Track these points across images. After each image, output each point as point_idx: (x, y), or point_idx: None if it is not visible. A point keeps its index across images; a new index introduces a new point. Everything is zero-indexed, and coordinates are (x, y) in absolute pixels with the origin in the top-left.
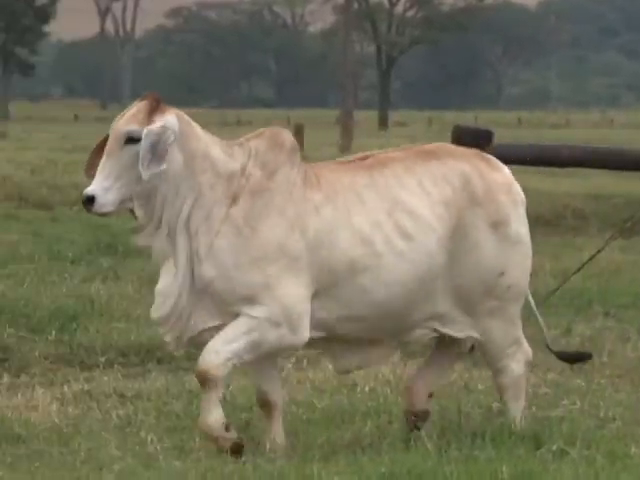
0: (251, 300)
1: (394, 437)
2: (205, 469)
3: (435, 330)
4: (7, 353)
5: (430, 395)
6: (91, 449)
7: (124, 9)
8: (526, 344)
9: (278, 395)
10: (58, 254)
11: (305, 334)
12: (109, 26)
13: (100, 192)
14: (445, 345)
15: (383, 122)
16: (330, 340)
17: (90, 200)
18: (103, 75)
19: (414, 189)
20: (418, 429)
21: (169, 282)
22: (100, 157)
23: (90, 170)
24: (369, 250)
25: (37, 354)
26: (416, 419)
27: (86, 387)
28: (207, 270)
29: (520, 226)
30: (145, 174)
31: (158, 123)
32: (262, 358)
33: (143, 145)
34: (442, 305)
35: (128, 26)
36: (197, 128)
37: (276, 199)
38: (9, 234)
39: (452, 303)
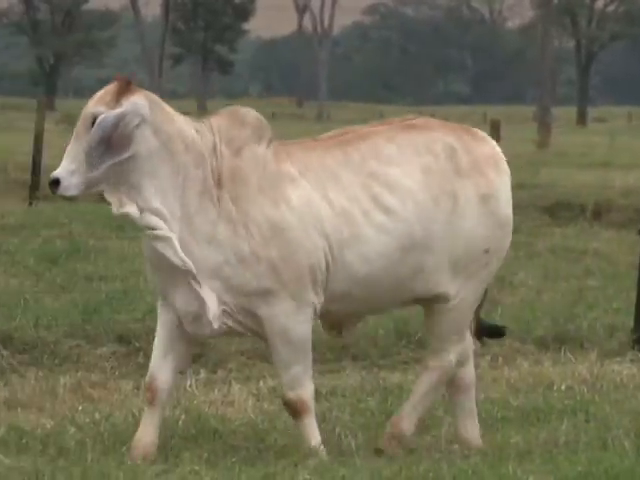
0: (265, 294)
1: (591, 436)
2: (400, 467)
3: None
4: (204, 349)
5: None
6: (286, 445)
7: (322, 6)
8: (470, 340)
9: (171, 385)
10: None
11: (317, 297)
12: (307, 23)
13: (65, 175)
14: None
15: (582, 118)
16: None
17: (55, 182)
18: (300, 72)
19: (394, 159)
20: None
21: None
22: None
23: None
24: (348, 223)
25: (233, 350)
26: None
27: None
28: (214, 255)
29: (508, 204)
30: (96, 168)
31: (124, 106)
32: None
33: (92, 136)
34: (439, 279)
35: (326, 23)
36: (169, 109)
37: (251, 177)
38: None
39: (450, 276)
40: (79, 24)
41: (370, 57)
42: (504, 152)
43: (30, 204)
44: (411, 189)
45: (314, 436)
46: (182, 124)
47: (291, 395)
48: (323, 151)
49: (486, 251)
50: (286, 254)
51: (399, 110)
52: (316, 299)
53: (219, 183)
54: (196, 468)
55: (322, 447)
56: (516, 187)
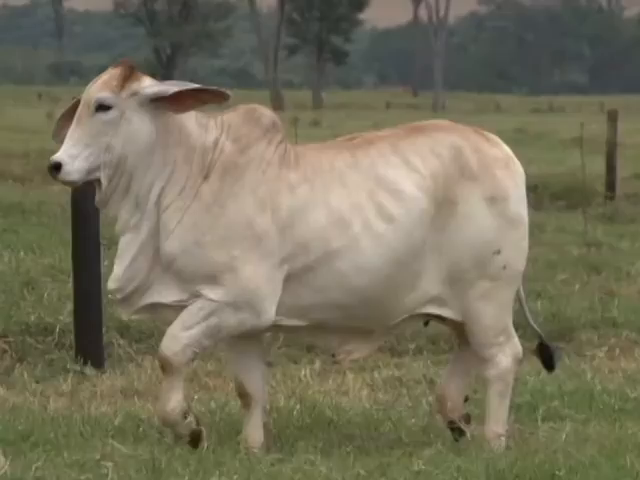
0: (212, 280)
1: None
2: (515, 458)
3: (429, 315)
4: None
5: (466, 399)
6: (400, 435)
7: None
8: (517, 339)
9: (257, 388)
10: None
11: (269, 316)
12: (422, 13)
13: (67, 159)
14: (467, 344)
15: None
16: (316, 328)
17: (56, 167)
18: (415, 62)
19: (399, 165)
20: (462, 434)
21: (131, 255)
22: (69, 122)
23: (58, 134)
24: (345, 233)
25: None
26: (456, 424)
27: (396, 373)
28: (171, 246)
29: (520, 205)
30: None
31: (140, 88)
32: (232, 342)
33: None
34: (434, 286)
35: (441, 13)
36: None
37: (247, 176)
38: None
39: (444, 283)
40: (195, 15)
41: (485, 47)
42: (622, 142)
43: None
44: (416, 196)
45: (172, 396)
46: (183, 116)
47: (163, 353)
48: (334, 153)
49: (497, 252)
50: (248, 257)
51: (515, 100)
52: (269, 310)
53: (206, 176)
54: (311, 457)
55: (178, 410)
56: (634, 178)
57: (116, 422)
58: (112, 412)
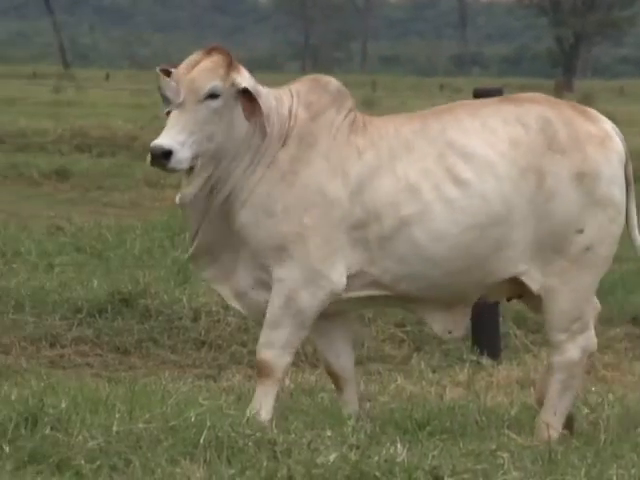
0: (281, 252)
1: None
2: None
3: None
4: None
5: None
6: None
7: None
8: (593, 332)
9: (346, 367)
10: None
11: (339, 285)
12: None
13: (178, 146)
14: None
15: None
16: (403, 300)
17: (166, 155)
18: None
19: (474, 129)
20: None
21: (211, 239)
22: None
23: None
24: (415, 199)
25: None
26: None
27: None
28: (243, 216)
29: (612, 185)
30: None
31: (241, 80)
32: (321, 321)
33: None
34: (521, 259)
35: None
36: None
37: (319, 142)
38: None
39: (530, 257)
40: (600, 3)
41: None
42: None
43: None
44: (492, 161)
45: (262, 403)
46: (269, 97)
47: (263, 355)
48: (403, 121)
49: (580, 231)
50: (319, 225)
51: None
52: (338, 280)
53: (283, 143)
54: None
55: (268, 418)
56: None
57: (512, 412)
58: (508, 402)
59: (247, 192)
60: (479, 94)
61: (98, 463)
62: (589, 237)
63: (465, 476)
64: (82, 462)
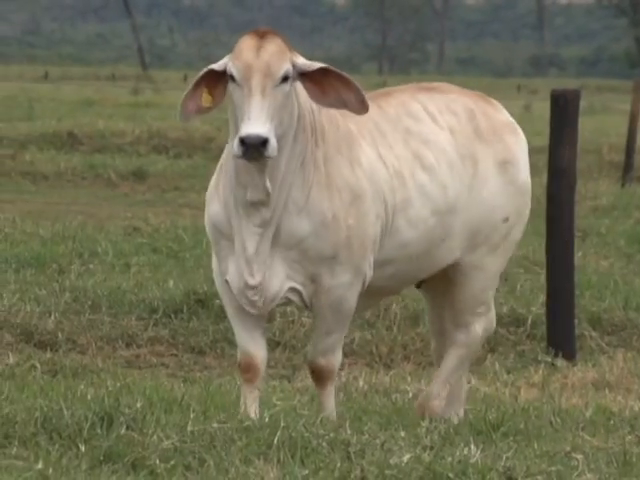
0: (333, 260)
1: None
2: None
3: None
4: None
5: None
6: None
7: None
8: (494, 312)
9: (264, 362)
10: None
11: (370, 271)
12: None
13: (270, 134)
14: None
15: None
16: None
17: (264, 143)
18: None
19: (422, 116)
20: None
21: (257, 241)
22: (198, 95)
23: (186, 113)
24: (403, 185)
25: None
26: None
27: None
28: (304, 227)
29: (526, 172)
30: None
31: (301, 61)
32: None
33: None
34: (458, 247)
35: None
36: None
37: (329, 135)
38: None
39: (464, 245)
40: None
41: None
42: None
43: (623, 185)
44: (443, 148)
45: (332, 404)
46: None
47: (322, 362)
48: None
49: (505, 220)
50: (359, 222)
51: None
52: (369, 271)
53: (316, 142)
54: None
55: (335, 415)
56: None
57: (587, 414)
58: (583, 404)
59: (304, 197)
60: (556, 95)
61: (172, 462)
62: (511, 225)
63: (539, 477)
64: (157, 461)
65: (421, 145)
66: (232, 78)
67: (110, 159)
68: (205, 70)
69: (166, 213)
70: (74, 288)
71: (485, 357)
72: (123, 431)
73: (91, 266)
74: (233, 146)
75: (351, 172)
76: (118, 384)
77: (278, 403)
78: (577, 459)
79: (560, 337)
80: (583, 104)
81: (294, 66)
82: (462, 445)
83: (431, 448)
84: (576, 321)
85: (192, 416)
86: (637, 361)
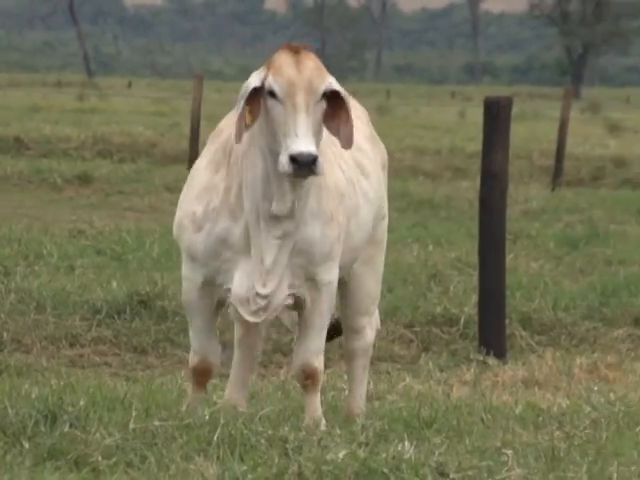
0: (329, 256)
1: None
2: None
3: None
4: None
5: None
6: None
7: None
8: (377, 311)
9: (218, 367)
10: None
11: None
12: None
13: (317, 152)
14: None
15: None
16: None
17: (314, 161)
18: None
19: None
20: None
21: (275, 253)
22: (244, 113)
23: (241, 129)
24: (354, 191)
25: None
26: None
27: None
28: (315, 229)
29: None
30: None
31: (334, 82)
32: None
33: (341, 111)
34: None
35: None
36: None
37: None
38: None
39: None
40: (608, 14)
41: None
42: None
43: (552, 189)
44: (369, 152)
45: (319, 405)
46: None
47: (316, 363)
48: None
49: (383, 218)
50: (344, 220)
51: None
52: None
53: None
54: None
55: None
56: None
57: (516, 411)
58: (513, 401)
59: (317, 203)
60: (489, 102)
61: (115, 459)
62: (386, 223)
63: (470, 472)
64: (99, 458)
65: (357, 152)
66: (272, 94)
67: (56, 164)
68: (250, 89)
69: (110, 216)
70: (19, 289)
71: (419, 356)
72: (66, 429)
73: (36, 268)
74: (281, 163)
75: (334, 172)
76: (62, 383)
77: (218, 401)
78: (507, 454)
79: (491, 336)
80: (515, 111)
81: (329, 84)
82: (396, 441)
83: (366, 444)
84: (507, 321)
85: (134, 414)
86: (565, 360)
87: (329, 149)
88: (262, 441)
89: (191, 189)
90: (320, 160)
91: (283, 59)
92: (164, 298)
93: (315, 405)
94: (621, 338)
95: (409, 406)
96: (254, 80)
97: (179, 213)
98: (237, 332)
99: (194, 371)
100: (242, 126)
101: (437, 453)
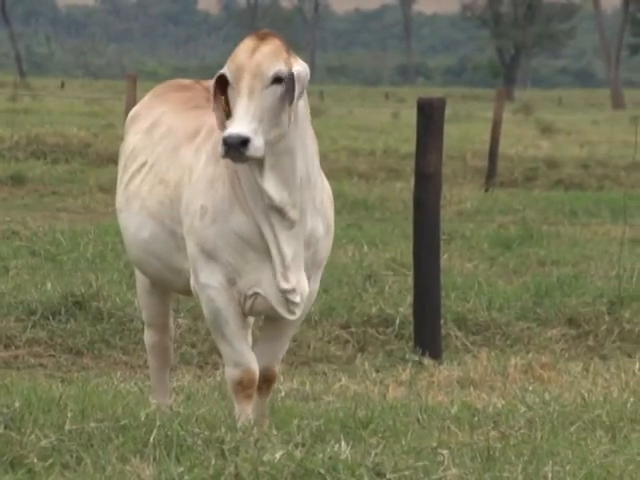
0: (322, 264)
1: None
2: None
3: None
4: None
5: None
6: None
7: None
8: None
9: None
10: None
11: None
12: None
13: (252, 134)
14: None
15: None
16: None
17: (244, 143)
18: None
19: None
20: None
21: (294, 245)
22: (220, 103)
23: (220, 119)
24: None
25: None
26: None
27: None
28: (321, 227)
29: None
30: (280, 127)
31: (300, 66)
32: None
33: (288, 93)
34: None
35: None
36: None
37: None
38: None
39: None
40: (540, 16)
41: None
42: None
43: (486, 190)
44: None
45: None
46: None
47: (277, 369)
48: None
49: None
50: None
51: None
52: None
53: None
54: None
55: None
56: None
57: (452, 411)
58: (448, 401)
59: (319, 199)
60: (423, 103)
61: (50, 461)
62: None
63: (406, 473)
64: (35, 460)
65: None
66: (227, 80)
67: None
68: (216, 76)
69: (44, 217)
70: None
71: (355, 356)
72: (1, 430)
73: None
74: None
75: (324, 179)
76: None
77: (154, 402)
78: (443, 454)
79: (427, 337)
80: (448, 112)
81: (296, 69)
82: (332, 442)
83: (303, 445)
84: (442, 321)
85: (70, 415)
86: (500, 360)
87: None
88: (199, 442)
89: (194, 187)
90: (255, 143)
91: (243, 46)
92: (99, 299)
93: (264, 408)
94: (555, 338)
95: (345, 407)
96: (224, 68)
97: (186, 218)
98: (150, 338)
99: (241, 385)
100: (220, 117)
101: (373, 453)
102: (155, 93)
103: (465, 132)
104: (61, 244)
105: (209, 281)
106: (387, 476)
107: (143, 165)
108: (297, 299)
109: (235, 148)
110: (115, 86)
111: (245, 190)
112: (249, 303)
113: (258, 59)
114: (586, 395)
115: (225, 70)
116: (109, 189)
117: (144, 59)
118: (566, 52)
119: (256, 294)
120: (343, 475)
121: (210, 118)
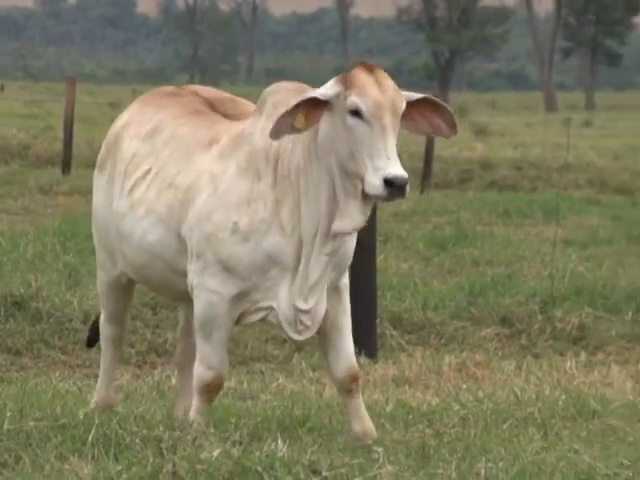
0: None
1: None
2: None
3: None
4: (584, 332)
5: None
6: None
7: None
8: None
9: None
10: (637, 237)
11: None
12: None
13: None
14: None
15: None
16: None
17: (406, 184)
18: None
19: None
20: None
21: (322, 270)
22: (294, 116)
23: (281, 127)
24: None
25: (613, 333)
26: None
27: None
28: (352, 243)
29: None
30: None
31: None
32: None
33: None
34: None
35: None
36: None
37: None
38: (590, 218)
39: None
40: (474, 20)
41: None
42: None
43: (422, 192)
44: None
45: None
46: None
47: (356, 363)
48: None
49: None
50: None
51: None
52: None
53: None
54: (575, 446)
55: None
56: None
57: (387, 409)
58: (383, 400)
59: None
60: None
61: None
62: None
63: (342, 470)
64: None
65: None
66: (356, 113)
67: None
68: (308, 96)
69: None
70: None
71: (292, 355)
72: None
73: None
74: (371, 185)
75: None
76: None
77: (94, 401)
78: (378, 452)
79: (363, 336)
80: None
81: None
82: (269, 440)
83: (240, 443)
84: (378, 321)
85: (8, 415)
86: (435, 358)
87: None
88: (137, 441)
89: (223, 198)
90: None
91: (364, 78)
92: (38, 299)
93: (363, 407)
94: (489, 337)
95: (282, 405)
96: (322, 92)
97: (208, 225)
98: (110, 332)
99: (209, 387)
100: (285, 126)
101: (310, 452)
102: (145, 101)
103: (401, 134)
104: (0, 245)
105: (217, 288)
106: (323, 474)
107: (148, 172)
108: (308, 322)
109: (401, 189)
110: (54, 88)
111: (302, 213)
112: (260, 314)
113: (392, 96)
114: (519, 393)
115: (354, 102)
116: (48, 191)
117: (83, 62)
118: (500, 56)
119: (271, 307)
120: (280, 473)
121: (226, 125)
